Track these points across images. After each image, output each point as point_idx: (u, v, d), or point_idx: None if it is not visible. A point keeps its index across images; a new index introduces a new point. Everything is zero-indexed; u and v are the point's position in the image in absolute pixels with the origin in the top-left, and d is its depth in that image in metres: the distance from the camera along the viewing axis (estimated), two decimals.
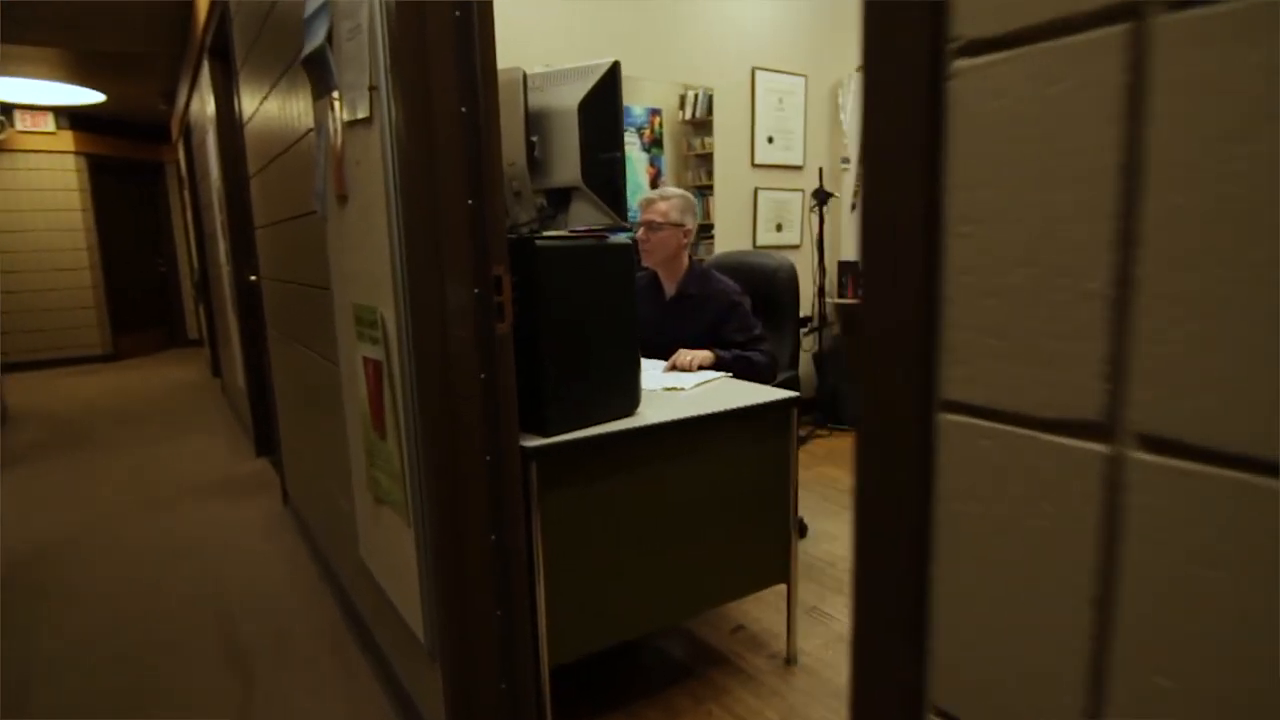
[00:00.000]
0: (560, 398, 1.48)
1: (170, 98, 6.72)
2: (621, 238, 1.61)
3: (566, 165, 1.51)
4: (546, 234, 1.52)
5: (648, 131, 3.86)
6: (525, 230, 1.55)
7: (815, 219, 4.04)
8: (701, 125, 4.00)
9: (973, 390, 0.43)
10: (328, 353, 1.99)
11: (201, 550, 2.89)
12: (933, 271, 0.44)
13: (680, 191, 2.42)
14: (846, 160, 4.53)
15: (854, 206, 4.60)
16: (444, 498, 1.36)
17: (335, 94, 1.55)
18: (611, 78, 1.51)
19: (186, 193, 6.98)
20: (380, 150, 1.33)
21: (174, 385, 6.83)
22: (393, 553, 1.62)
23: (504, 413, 1.33)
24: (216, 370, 6.49)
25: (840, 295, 4.56)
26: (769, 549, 1.87)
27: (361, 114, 1.39)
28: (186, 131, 6.10)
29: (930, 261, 0.44)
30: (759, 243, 4.29)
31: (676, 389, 1.90)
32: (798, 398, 1.82)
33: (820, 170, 4.12)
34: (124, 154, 8.20)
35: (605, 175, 1.52)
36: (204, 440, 4.72)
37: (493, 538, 1.36)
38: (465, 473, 1.34)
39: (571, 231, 1.60)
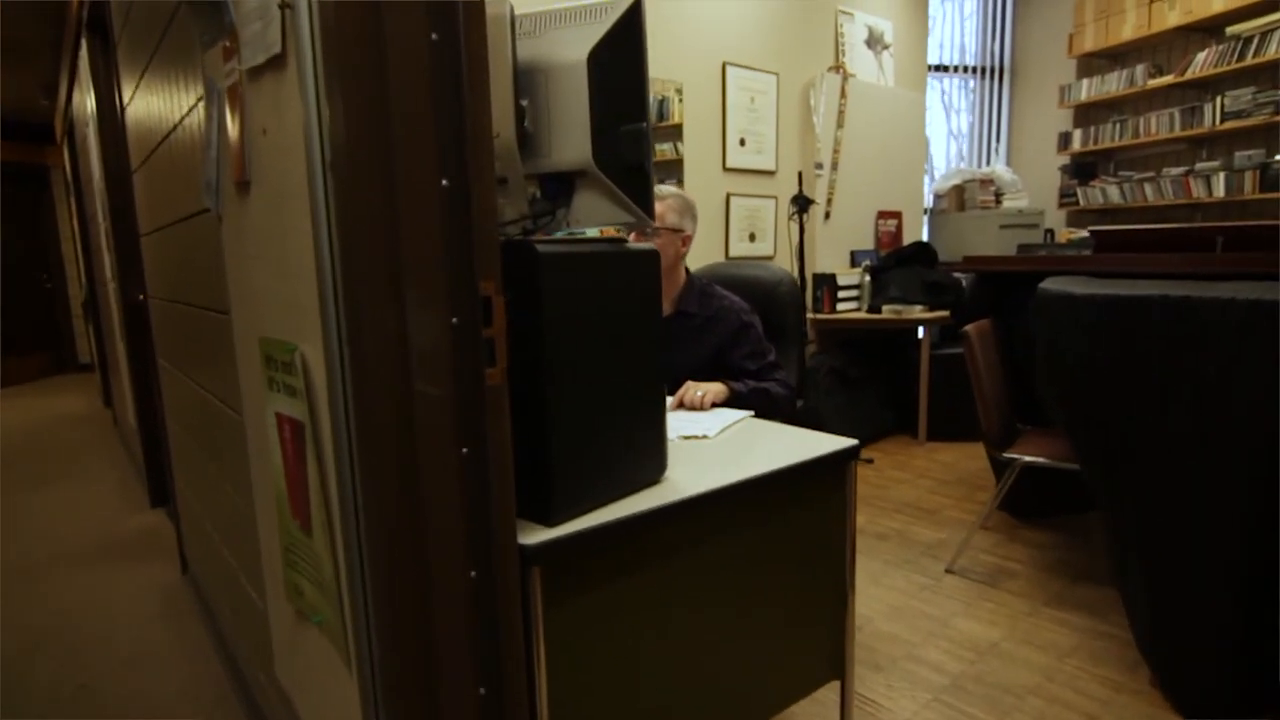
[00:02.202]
0: (570, 471, 1.03)
1: (52, 91, 5.91)
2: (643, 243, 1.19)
3: (571, 140, 1.07)
4: (547, 238, 1.08)
5: None
6: (513, 232, 1.11)
7: (795, 227, 3.70)
8: (655, 132, 3.67)
9: None
10: (229, 397, 1.48)
11: (73, 639, 2.28)
12: None
13: (676, 190, 2.02)
14: (820, 165, 4.22)
15: (828, 215, 4.30)
16: (405, 634, 0.89)
17: (230, 36, 1.07)
18: (633, 19, 1.08)
19: (73, 200, 6.16)
20: (300, 106, 0.86)
21: (59, 417, 5.98)
22: (324, 695, 1.14)
23: (496, 505, 0.88)
24: (110, 400, 5.69)
25: (815, 310, 4.24)
26: (823, 638, 1.46)
27: (269, 52, 0.92)
28: (70, 130, 5.34)
29: None
30: (732, 254, 3.92)
31: (699, 437, 1.48)
32: (857, 447, 1.42)
33: (800, 175, 3.79)
34: (3, 157, 7.25)
35: (626, 155, 1.09)
36: (90, 485, 4.01)
37: (481, 691, 0.90)
38: (438, 596, 0.88)
39: (572, 235, 1.16)
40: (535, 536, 0.99)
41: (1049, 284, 2.10)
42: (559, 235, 1.14)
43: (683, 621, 1.19)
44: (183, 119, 1.57)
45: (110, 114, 2.81)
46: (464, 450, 0.85)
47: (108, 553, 3.05)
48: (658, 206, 1.94)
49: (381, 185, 0.80)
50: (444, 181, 0.81)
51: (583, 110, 1.06)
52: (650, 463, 1.19)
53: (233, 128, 1.12)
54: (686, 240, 1.99)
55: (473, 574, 0.88)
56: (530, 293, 0.98)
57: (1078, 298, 1.81)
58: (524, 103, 1.08)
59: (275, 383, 1.09)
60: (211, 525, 1.99)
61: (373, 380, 0.82)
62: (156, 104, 1.86)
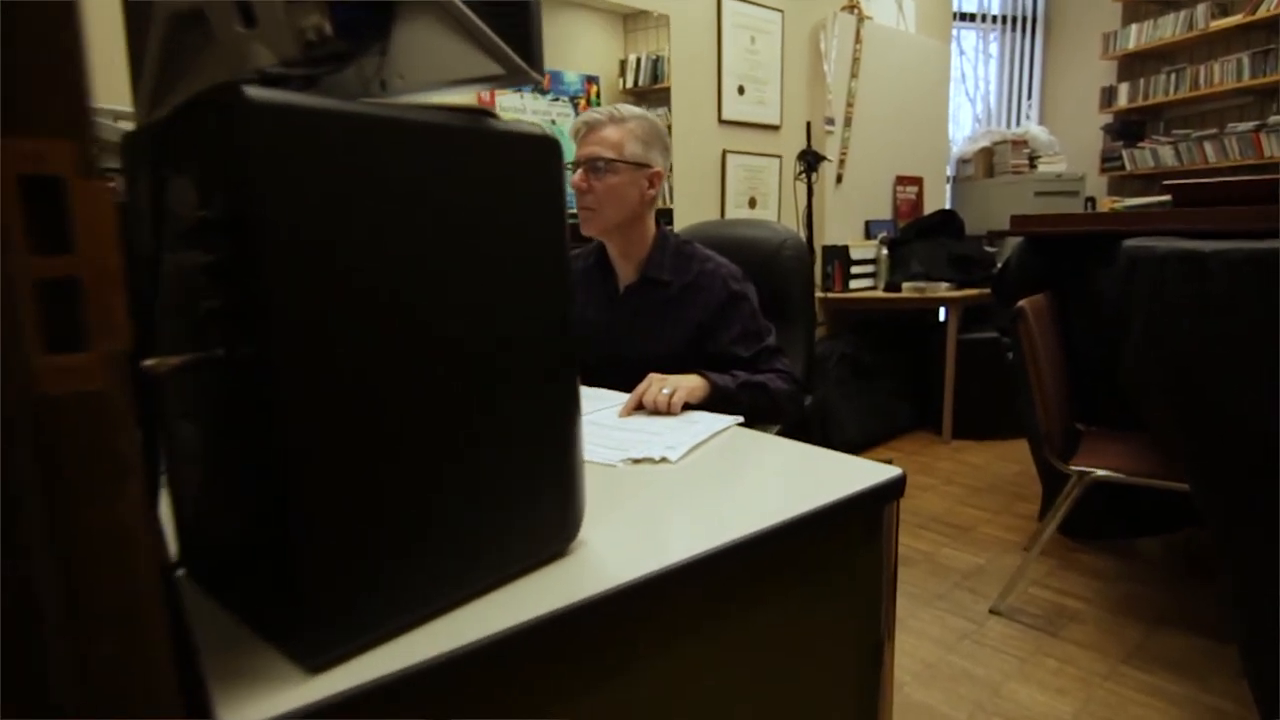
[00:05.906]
0: (345, 555, 0.52)
1: None
2: (528, 122, 0.66)
3: None
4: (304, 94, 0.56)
5: (583, 101, 3.20)
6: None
7: (803, 189, 3.17)
8: (645, 95, 3.22)
9: None
10: None
11: None
12: None
13: (639, 111, 1.48)
14: (831, 121, 3.68)
15: (839, 179, 3.76)
16: None
17: None
18: None
19: None
20: None
21: None
22: None
23: (87, 668, 0.37)
24: None
25: (825, 288, 3.71)
26: None
27: None
28: None
29: None
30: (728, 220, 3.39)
31: (654, 461, 0.96)
32: (901, 479, 0.90)
33: (808, 125, 3.25)
34: None
35: None
36: None
37: None
38: None
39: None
40: (274, 701, 0.47)
41: (1141, 243, 1.57)
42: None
43: None
44: None
45: None
46: None
47: None
48: (613, 133, 1.42)
49: None
50: None
51: None
52: (548, 521, 0.67)
53: None
54: (655, 179, 1.46)
55: None
56: (235, 194, 0.46)
57: (1205, 255, 1.28)
58: None
59: None
60: None
61: None
62: None
